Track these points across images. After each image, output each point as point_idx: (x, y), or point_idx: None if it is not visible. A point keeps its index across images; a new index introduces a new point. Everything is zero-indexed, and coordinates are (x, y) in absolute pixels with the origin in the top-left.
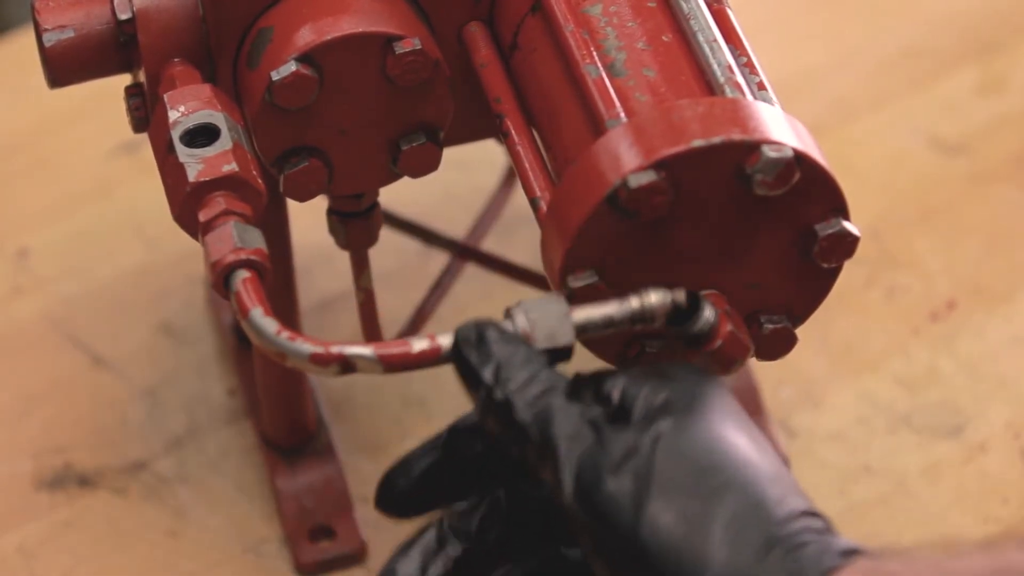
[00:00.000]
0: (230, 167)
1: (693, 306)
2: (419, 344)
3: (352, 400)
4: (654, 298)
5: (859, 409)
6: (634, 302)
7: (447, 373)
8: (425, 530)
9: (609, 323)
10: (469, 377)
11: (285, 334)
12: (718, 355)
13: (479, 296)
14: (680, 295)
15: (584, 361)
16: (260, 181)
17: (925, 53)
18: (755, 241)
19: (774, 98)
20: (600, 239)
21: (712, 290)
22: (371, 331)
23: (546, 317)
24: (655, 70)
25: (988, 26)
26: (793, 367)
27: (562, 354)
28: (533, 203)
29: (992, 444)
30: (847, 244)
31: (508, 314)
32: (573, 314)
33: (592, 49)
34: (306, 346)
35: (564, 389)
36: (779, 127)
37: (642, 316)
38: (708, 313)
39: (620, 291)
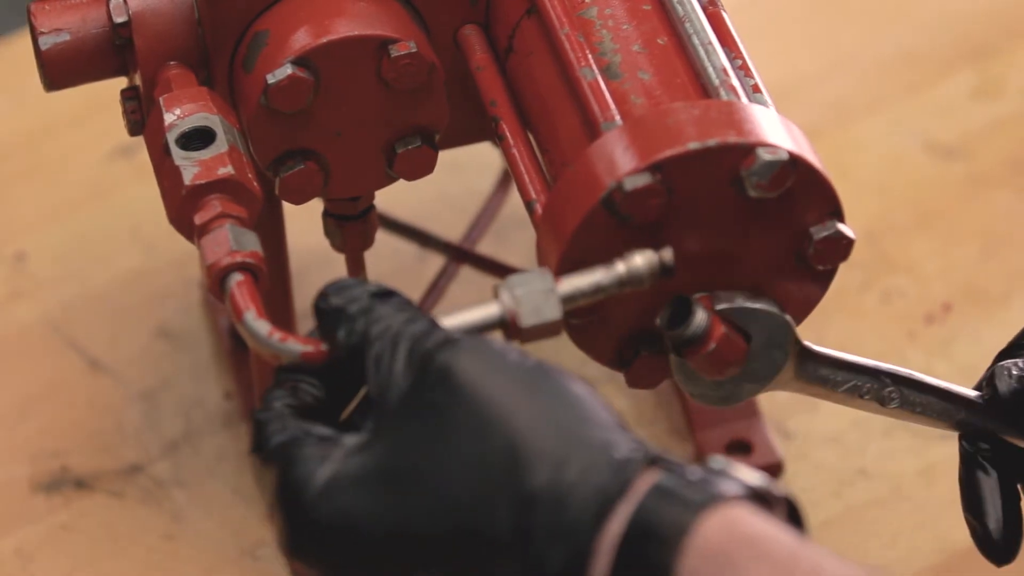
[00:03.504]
0: (226, 170)
1: (685, 310)
2: None
3: None
4: (639, 260)
5: (855, 412)
6: (620, 267)
7: None
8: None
9: (597, 290)
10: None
11: (277, 335)
12: (713, 357)
13: (475, 299)
14: (667, 254)
15: (583, 361)
16: (256, 184)
17: (921, 57)
18: (750, 244)
19: (769, 101)
20: (596, 242)
21: (704, 293)
22: None
23: (531, 293)
24: (650, 73)
25: (984, 30)
26: None
27: (550, 328)
28: (529, 206)
29: None
30: (842, 247)
31: (495, 293)
32: (559, 286)
33: (587, 52)
34: (297, 346)
35: None
36: (774, 130)
37: (629, 280)
38: (700, 316)
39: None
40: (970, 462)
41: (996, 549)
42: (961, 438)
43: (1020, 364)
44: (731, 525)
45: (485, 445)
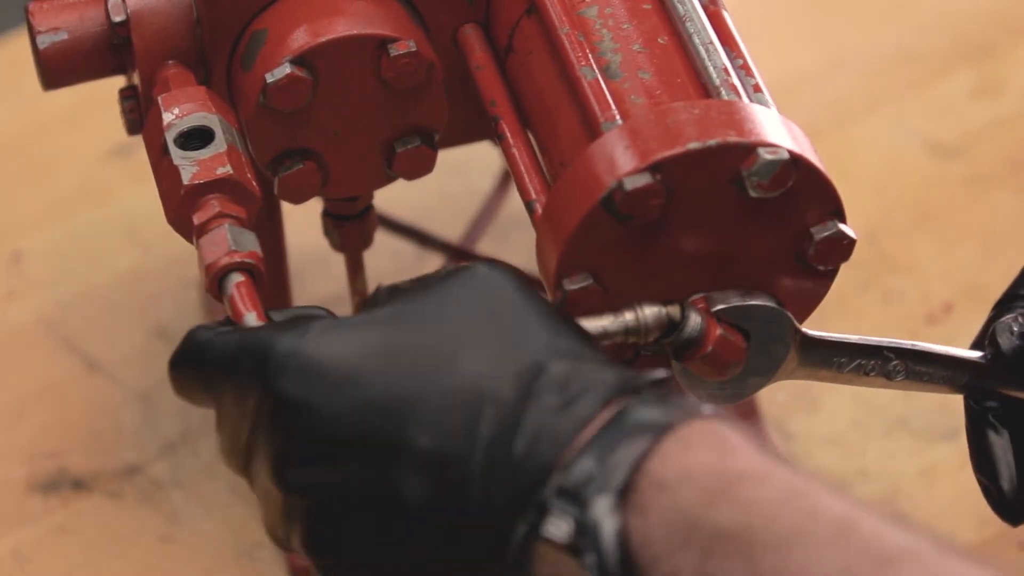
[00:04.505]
0: (224, 169)
1: (679, 314)
2: None
3: None
4: (648, 312)
5: (855, 412)
6: (628, 316)
7: None
8: None
9: (603, 336)
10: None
11: None
12: (712, 359)
13: None
14: (675, 310)
15: None
16: (255, 184)
17: (921, 56)
18: (751, 244)
19: (770, 100)
20: (595, 242)
21: (699, 295)
22: None
23: None
24: (651, 72)
25: (983, 29)
26: None
27: None
28: (528, 206)
29: None
30: (843, 247)
31: None
32: None
33: (587, 51)
34: None
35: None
36: (775, 129)
37: (636, 330)
38: (694, 320)
39: (615, 294)
40: (979, 421)
41: (1011, 509)
42: (967, 397)
43: (1020, 319)
44: (726, 426)
45: (502, 326)
